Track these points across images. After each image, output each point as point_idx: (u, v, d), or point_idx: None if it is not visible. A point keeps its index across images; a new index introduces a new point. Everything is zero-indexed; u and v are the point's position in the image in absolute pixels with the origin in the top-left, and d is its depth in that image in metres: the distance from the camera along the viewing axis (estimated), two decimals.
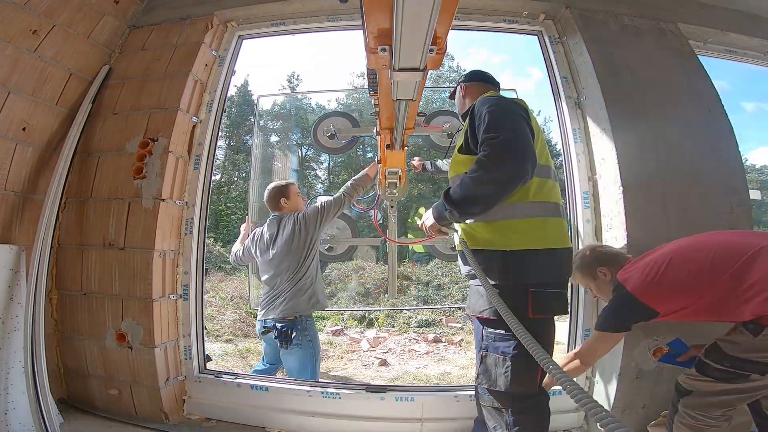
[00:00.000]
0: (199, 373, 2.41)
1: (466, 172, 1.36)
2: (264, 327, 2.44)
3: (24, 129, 2.21)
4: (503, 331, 1.36)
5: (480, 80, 1.76)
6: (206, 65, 2.66)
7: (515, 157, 1.28)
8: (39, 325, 1.95)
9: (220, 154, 23.60)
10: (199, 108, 2.59)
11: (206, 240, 2.44)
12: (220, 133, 2.72)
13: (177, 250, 2.32)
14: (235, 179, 22.77)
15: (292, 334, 2.36)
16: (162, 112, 2.40)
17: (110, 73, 2.62)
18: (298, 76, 24.83)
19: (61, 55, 2.41)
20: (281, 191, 2.60)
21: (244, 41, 2.93)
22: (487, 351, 1.41)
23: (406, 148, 2.30)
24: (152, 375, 2.17)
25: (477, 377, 1.47)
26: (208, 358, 2.49)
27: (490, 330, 1.40)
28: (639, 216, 1.88)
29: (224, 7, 2.68)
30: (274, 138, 24.62)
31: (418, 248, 4.44)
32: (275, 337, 2.37)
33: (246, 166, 22.82)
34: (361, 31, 1.06)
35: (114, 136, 2.40)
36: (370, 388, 2.27)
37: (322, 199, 2.58)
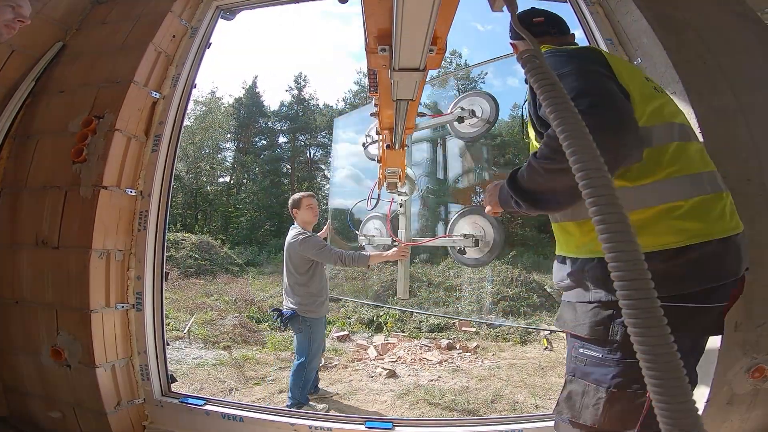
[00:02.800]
0: (162, 396, 2.01)
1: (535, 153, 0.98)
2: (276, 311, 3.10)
3: None
4: (599, 354, 0.99)
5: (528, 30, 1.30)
6: (174, 36, 2.29)
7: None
8: None
9: (228, 155, 23.55)
10: (162, 83, 2.20)
11: (166, 238, 2.02)
12: (187, 113, 2.35)
13: (127, 249, 1.90)
14: (245, 181, 22.64)
15: (287, 321, 2.98)
16: (112, 85, 2.01)
17: (63, 50, 2.27)
18: (305, 77, 24.65)
19: None
20: (295, 203, 3.12)
21: (224, 12, 2.58)
22: (573, 375, 1.05)
23: (406, 147, 2.29)
24: (96, 398, 1.77)
25: (557, 405, 1.08)
26: (172, 379, 2.09)
27: (582, 351, 1.03)
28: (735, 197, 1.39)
29: None
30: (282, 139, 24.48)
31: None
32: (276, 318, 3.06)
33: (254, 168, 22.69)
34: (362, 32, 1.03)
35: (56, 115, 2.01)
36: (372, 422, 1.81)
37: (317, 247, 2.93)
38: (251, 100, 24.45)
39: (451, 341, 5.40)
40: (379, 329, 6.54)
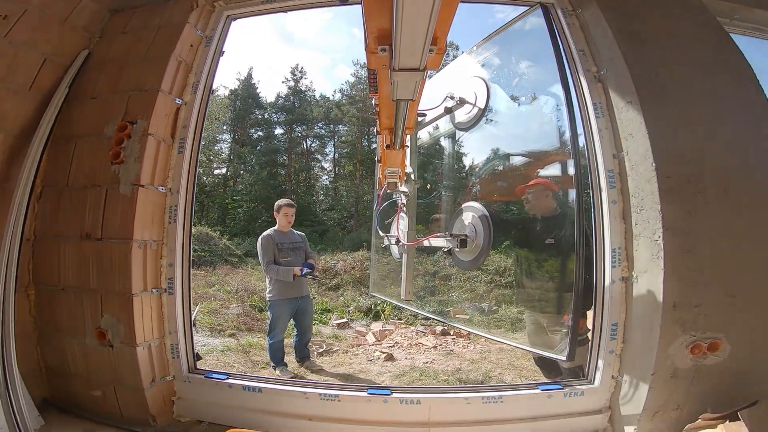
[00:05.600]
0: (189, 372, 2.26)
1: None
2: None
3: None
4: None
5: None
6: (191, 45, 2.47)
7: None
8: (9, 323, 1.80)
9: (225, 147, 23.58)
10: (183, 90, 2.40)
11: (192, 229, 2.25)
12: (205, 117, 2.55)
13: (160, 240, 2.14)
14: (241, 172, 22.73)
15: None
16: (142, 93, 2.22)
17: (89, 58, 2.45)
18: (302, 68, 24.57)
19: (35, 40, 2.23)
20: (276, 208, 3.93)
21: (234, 22, 2.75)
22: None
23: (406, 147, 2.29)
24: (135, 376, 2.02)
25: None
26: (198, 357, 2.34)
27: None
28: (675, 196, 1.65)
29: None
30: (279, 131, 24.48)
31: None
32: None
33: (251, 159, 22.76)
34: (362, 32, 1.08)
35: (91, 120, 2.22)
36: (373, 389, 2.09)
37: (259, 249, 3.82)
38: (247, 91, 24.38)
39: (445, 327, 5.69)
40: (377, 317, 6.83)
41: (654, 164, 1.69)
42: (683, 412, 1.76)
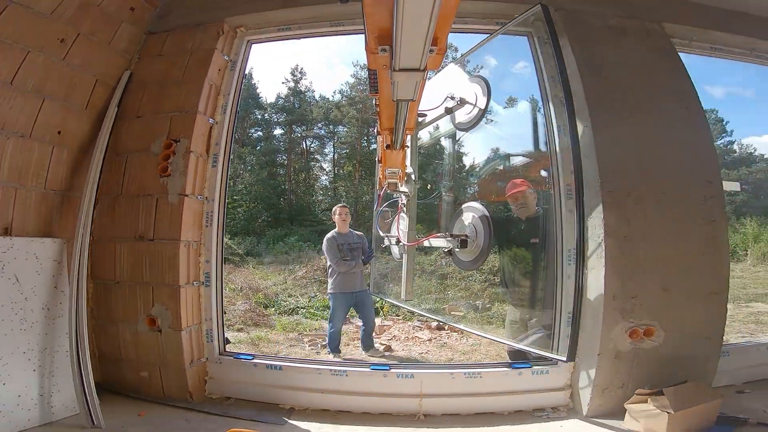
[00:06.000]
0: (219, 354, 2.63)
1: None
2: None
3: (59, 132, 2.43)
4: None
5: None
6: (219, 70, 2.82)
7: None
8: (82, 312, 2.18)
9: None
10: (215, 110, 2.77)
11: (224, 231, 2.65)
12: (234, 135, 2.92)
13: (199, 241, 2.54)
14: (241, 172, 23.03)
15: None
16: (182, 115, 2.60)
17: (131, 78, 2.79)
18: (301, 69, 24.86)
19: (87, 62, 2.58)
20: (333, 212, 4.51)
21: (253, 45, 3.07)
22: None
23: (406, 148, 2.34)
24: (179, 357, 2.40)
25: None
26: (227, 341, 2.73)
27: None
28: (615, 207, 2.06)
29: (233, 13, 2.83)
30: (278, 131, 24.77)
31: None
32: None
33: (251, 159, 23.08)
34: (362, 32, 1.09)
35: (139, 137, 2.61)
36: (375, 366, 2.50)
37: (326, 254, 4.33)
38: (247, 92, 24.65)
39: (440, 323, 6.10)
40: (376, 313, 7.22)
41: (600, 181, 2.11)
42: (627, 390, 2.14)
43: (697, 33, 2.79)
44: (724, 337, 2.34)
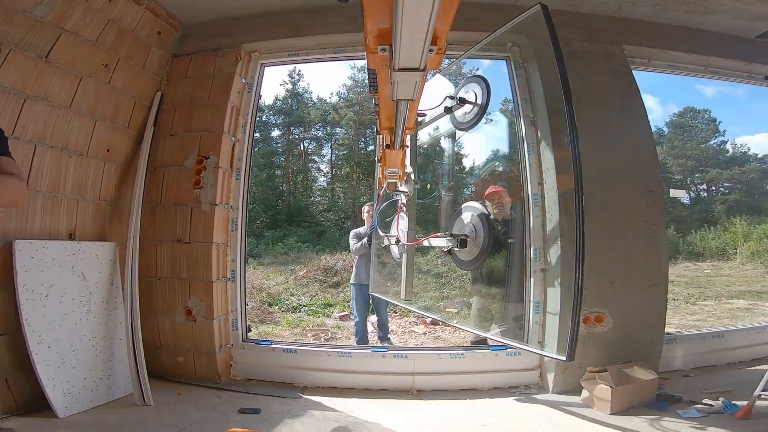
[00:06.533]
0: (243, 341, 3.06)
1: None
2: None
3: (108, 150, 2.85)
4: None
5: None
6: (239, 92, 3.21)
7: None
8: (136, 305, 2.59)
9: None
10: (236, 129, 3.18)
11: (246, 235, 3.08)
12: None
13: (226, 243, 2.98)
14: None
15: None
16: (210, 134, 3.01)
17: (162, 98, 3.18)
18: (299, 71, 25.25)
19: (127, 85, 2.94)
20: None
21: (266, 68, 3.46)
22: None
23: (406, 147, 2.37)
24: (210, 343, 2.82)
25: None
26: (248, 329, 3.17)
27: None
28: (569, 213, 2.43)
29: (249, 40, 3.19)
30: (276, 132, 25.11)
31: None
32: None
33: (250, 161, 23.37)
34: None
35: (174, 154, 3.02)
36: (375, 348, 2.98)
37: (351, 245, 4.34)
38: None
39: (435, 318, 6.56)
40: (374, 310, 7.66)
41: (558, 192, 2.55)
42: (583, 369, 2.55)
43: (656, 53, 3.15)
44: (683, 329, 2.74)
